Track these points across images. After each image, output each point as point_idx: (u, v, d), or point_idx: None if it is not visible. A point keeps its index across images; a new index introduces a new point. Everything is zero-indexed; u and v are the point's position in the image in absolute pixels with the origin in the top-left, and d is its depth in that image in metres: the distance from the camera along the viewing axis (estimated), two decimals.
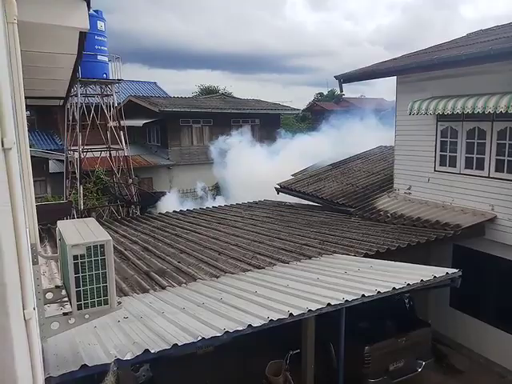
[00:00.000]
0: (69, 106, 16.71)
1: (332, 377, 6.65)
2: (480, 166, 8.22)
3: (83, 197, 16.81)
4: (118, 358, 3.41)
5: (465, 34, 10.86)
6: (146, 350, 3.55)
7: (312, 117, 39.10)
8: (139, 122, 22.29)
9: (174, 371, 6.77)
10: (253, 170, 17.00)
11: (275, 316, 4.27)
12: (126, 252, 7.75)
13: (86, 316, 3.03)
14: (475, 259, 8.21)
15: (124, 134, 18.02)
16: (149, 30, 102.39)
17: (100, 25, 16.03)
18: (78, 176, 16.66)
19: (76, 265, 2.88)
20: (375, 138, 15.38)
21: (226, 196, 18.04)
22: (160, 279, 6.16)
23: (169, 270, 6.61)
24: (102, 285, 2.98)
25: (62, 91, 7.88)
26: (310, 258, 7.00)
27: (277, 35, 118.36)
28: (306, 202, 12.28)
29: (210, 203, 15.70)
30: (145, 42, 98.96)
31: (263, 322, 4.15)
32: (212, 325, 4.11)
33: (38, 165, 17.97)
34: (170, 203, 17.26)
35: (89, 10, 3.78)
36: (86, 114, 17.17)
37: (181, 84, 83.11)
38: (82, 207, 16.42)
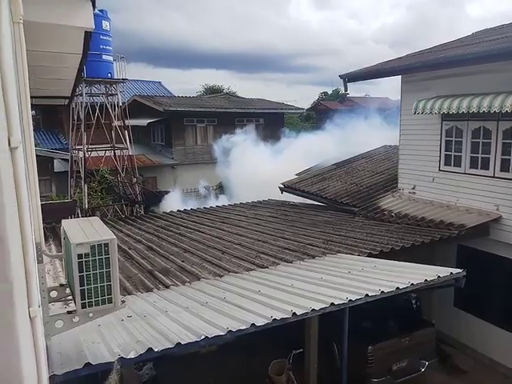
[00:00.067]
0: (74, 106, 16.78)
1: (335, 376, 6.65)
2: (485, 166, 8.18)
3: (88, 196, 16.87)
4: (122, 357, 3.42)
5: (470, 33, 10.81)
6: (150, 349, 3.57)
7: (316, 116, 39.02)
8: (144, 122, 22.34)
9: (177, 370, 6.79)
10: (257, 169, 17.00)
11: (279, 315, 4.27)
12: (130, 251, 7.78)
13: (90, 314, 3.04)
14: (480, 259, 8.18)
15: (128, 134, 18.07)
16: (154, 30, 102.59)
17: (105, 24, 16.08)
18: (82, 175, 16.72)
19: (80, 263, 2.89)
20: (380, 137, 15.32)
21: (230, 195, 18.04)
22: (164, 278, 6.18)
23: (173, 269, 6.62)
24: (106, 283, 2.99)
25: (67, 91, 7.91)
26: (313, 257, 7.00)
27: (281, 34, 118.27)
28: (310, 202, 12.27)
29: (213, 202, 15.72)
30: (149, 42, 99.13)
31: (266, 322, 4.15)
32: (215, 324, 4.12)
33: (43, 164, 18.07)
34: (173, 202, 17.29)
35: (94, 10, 3.80)
36: (91, 114, 17.24)
37: (185, 83, 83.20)
38: (87, 206, 16.49)
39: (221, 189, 21.21)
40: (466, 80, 8.18)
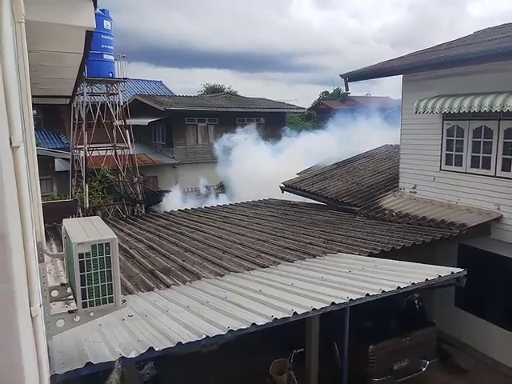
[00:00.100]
0: (75, 105, 16.79)
1: (336, 376, 6.65)
2: (486, 165, 8.17)
3: (89, 195, 16.89)
4: (123, 356, 3.43)
5: (472, 32, 10.79)
6: (151, 348, 3.57)
7: (317, 115, 39.01)
8: (145, 121, 22.35)
9: (178, 369, 6.80)
10: (258, 168, 17.01)
11: (279, 315, 4.27)
12: (130, 250, 7.78)
13: (91, 314, 3.04)
14: (481, 259, 8.17)
15: (129, 133, 18.08)
16: (155, 29, 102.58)
17: (106, 24, 16.09)
18: (83, 174, 16.75)
19: (81, 263, 2.90)
20: (381, 136, 15.32)
21: (231, 195, 18.05)
22: (165, 277, 6.18)
23: (173, 269, 6.63)
24: (107, 283, 2.99)
25: (68, 90, 7.92)
26: (314, 256, 7.00)
27: (282, 34, 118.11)
28: (310, 201, 12.27)
29: (214, 202, 15.73)
30: (150, 41, 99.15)
31: (267, 321, 4.15)
32: (216, 323, 4.12)
33: (44, 163, 18.08)
34: (174, 202, 17.30)
35: (95, 10, 3.81)
36: (92, 113, 17.26)
37: (186, 83, 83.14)
38: (88, 206, 16.51)
39: (222, 188, 21.22)
40: (468, 79, 8.17)
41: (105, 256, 2.96)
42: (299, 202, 12.69)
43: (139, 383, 6.29)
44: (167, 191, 19.59)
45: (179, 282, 5.98)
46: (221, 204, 13.37)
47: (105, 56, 16.34)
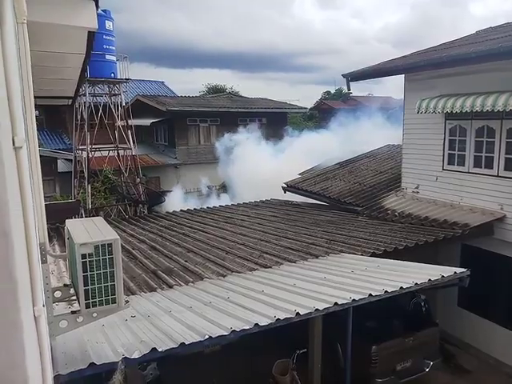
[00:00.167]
0: (77, 106, 16.81)
1: (339, 376, 6.64)
2: (489, 165, 8.15)
3: (91, 196, 16.90)
4: (126, 357, 3.43)
5: (474, 32, 10.76)
6: (154, 349, 3.57)
7: (319, 115, 38.99)
8: (147, 122, 22.37)
9: (181, 370, 6.80)
10: (260, 168, 17.00)
11: (282, 315, 4.26)
12: (133, 251, 7.79)
13: (94, 314, 3.05)
14: (484, 259, 8.15)
15: (132, 134, 18.09)
16: (156, 29, 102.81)
17: (108, 24, 16.10)
18: (86, 175, 16.76)
19: (84, 263, 2.90)
20: (383, 136, 15.31)
21: (234, 195, 18.05)
22: (167, 278, 6.18)
23: (176, 269, 6.63)
24: (109, 283, 2.99)
25: (70, 91, 7.93)
26: (316, 257, 6.99)
27: (284, 34, 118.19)
28: (312, 201, 12.26)
29: (216, 202, 15.73)
30: (152, 42, 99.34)
31: (270, 321, 4.15)
32: (219, 324, 4.12)
33: (47, 164, 18.12)
34: (176, 202, 17.31)
35: (97, 10, 3.81)
36: (94, 114, 17.27)
37: (188, 83, 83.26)
38: (90, 206, 16.52)
39: (224, 188, 21.22)
40: (470, 79, 8.15)
41: (107, 257, 2.96)
42: (301, 202, 12.68)
43: None
44: (168, 191, 19.60)
45: (182, 283, 5.98)
46: (223, 204, 13.37)
47: (107, 56, 16.34)
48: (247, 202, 13.10)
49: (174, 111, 21.74)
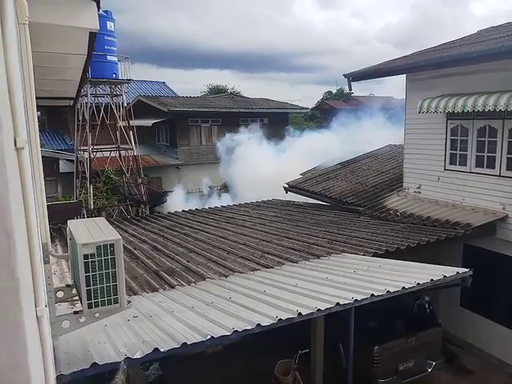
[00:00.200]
0: (79, 106, 16.84)
1: (341, 376, 6.63)
2: (491, 165, 8.13)
3: (93, 196, 16.93)
4: (128, 357, 3.43)
5: (475, 31, 10.74)
6: (156, 349, 3.57)
7: (321, 115, 38.98)
8: (148, 122, 22.40)
9: (183, 370, 6.80)
10: (261, 169, 17.01)
11: (284, 315, 4.26)
12: (135, 251, 7.80)
13: (97, 315, 3.05)
14: (486, 259, 8.13)
15: (133, 134, 18.11)
16: (157, 30, 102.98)
17: (109, 25, 16.13)
18: (87, 176, 16.79)
19: (86, 264, 2.90)
20: (384, 136, 15.29)
21: (235, 195, 18.05)
22: (169, 278, 6.19)
23: (178, 269, 6.63)
24: (111, 284, 2.99)
25: (72, 91, 7.94)
26: (318, 257, 6.99)
27: (285, 34, 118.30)
28: (314, 201, 12.25)
29: (218, 202, 15.73)
30: (153, 42, 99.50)
31: (272, 322, 4.15)
32: (221, 324, 4.12)
33: (49, 165, 18.16)
34: (178, 202, 17.32)
35: (98, 11, 3.81)
36: (96, 114, 17.30)
37: (189, 83, 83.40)
38: (92, 207, 16.55)
39: (225, 189, 21.22)
40: (471, 78, 8.13)
41: (109, 257, 2.97)
42: (303, 203, 12.67)
43: None
44: (169, 192, 19.61)
45: (184, 283, 5.99)
46: (224, 205, 13.37)
47: (108, 57, 16.37)
48: (249, 202, 13.10)
49: (175, 111, 21.76)
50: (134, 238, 8.98)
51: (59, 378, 3.14)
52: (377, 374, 6.68)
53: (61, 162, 20.13)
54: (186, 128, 23.18)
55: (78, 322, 3.07)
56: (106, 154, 18.35)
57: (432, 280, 5.32)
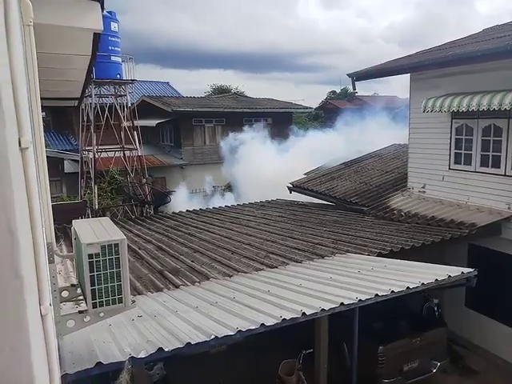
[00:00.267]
0: (83, 107, 16.90)
1: (345, 377, 6.61)
2: (496, 164, 8.08)
3: (98, 196, 16.98)
4: (133, 356, 3.44)
5: (480, 30, 10.69)
6: (160, 349, 3.58)
7: (325, 115, 38.93)
8: (152, 122, 22.45)
9: (187, 370, 6.81)
10: (265, 169, 17.00)
11: (288, 315, 4.26)
12: (140, 251, 7.82)
13: (101, 314, 3.06)
14: (491, 259, 8.08)
15: (138, 134, 18.16)
16: (161, 31, 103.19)
17: (113, 26, 16.17)
18: (92, 176, 16.84)
19: (91, 263, 2.91)
20: (389, 136, 15.25)
21: (239, 195, 18.06)
22: (174, 278, 6.20)
23: (182, 269, 6.64)
24: (116, 283, 3.00)
25: (76, 92, 7.98)
26: (322, 257, 6.98)
27: (289, 34, 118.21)
28: (318, 201, 12.23)
29: (222, 202, 15.74)
30: (157, 43, 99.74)
31: (276, 321, 4.15)
32: (225, 324, 4.12)
33: (54, 165, 18.23)
34: (182, 202, 17.35)
35: (102, 12, 3.83)
36: (100, 115, 17.35)
37: (193, 84, 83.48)
38: (97, 207, 16.60)
39: (229, 189, 21.23)
40: (476, 77, 8.09)
41: (114, 257, 2.97)
42: (307, 202, 12.65)
43: (149, 383, 6.31)
44: (172, 191, 19.65)
45: (188, 283, 6.00)
46: (229, 205, 13.38)
47: (112, 58, 16.41)
48: (253, 202, 13.10)
49: (179, 112, 21.80)
50: (139, 237, 9.01)
51: (64, 377, 3.15)
52: (381, 374, 6.66)
53: (66, 162, 20.22)
54: (189, 128, 23.21)
55: (82, 321, 3.08)
56: (111, 154, 18.41)
57: (437, 280, 5.30)
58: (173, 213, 12.50)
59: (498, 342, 8.35)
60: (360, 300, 4.69)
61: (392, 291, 4.92)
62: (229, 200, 17.32)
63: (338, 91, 47.86)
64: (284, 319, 4.17)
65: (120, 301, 3.03)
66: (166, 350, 3.60)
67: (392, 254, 6.88)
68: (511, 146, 7.80)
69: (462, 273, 5.63)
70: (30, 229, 1.70)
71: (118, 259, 2.99)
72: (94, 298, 2.96)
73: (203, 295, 5.31)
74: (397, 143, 14.19)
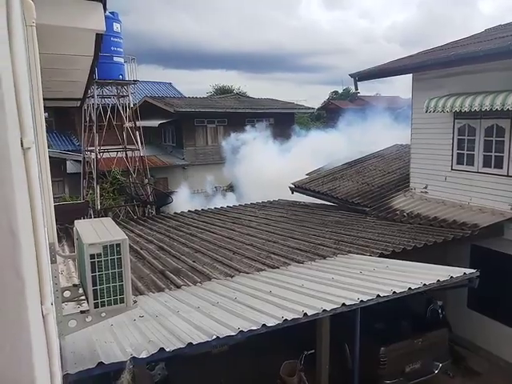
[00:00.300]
0: (86, 107, 16.94)
1: (347, 378, 6.61)
2: (499, 165, 8.06)
3: (100, 197, 17.02)
4: (134, 356, 3.45)
5: (483, 30, 10.66)
6: (162, 349, 3.59)
7: (327, 115, 38.88)
8: (155, 123, 22.48)
9: (188, 370, 6.82)
10: (267, 169, 17.00)
11: (290, 316, 4.26)
12: (141, 251, 7.83)
13: (103, 314, 3.06)
14: (494, 259, 8.05)
15: (140, 135, 18.18)
16: (163, 31, 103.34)
17: (116, 26, 16.21)
18: (94, 176, 16.88)
19: (93, 263, 2.92)
20: (391, 136, 15.22)
21: (241, 195, 18.06)
22: (175, 278, 6.21)
23: (184, 270, 6.65)
24: (118, 283, 3.01)
25: (79, 92, 8.00)
26: (324, 257, 6.97)
27: (291, 34, 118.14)
28: (320, 202, 12.22)
29: (224, 203, 15.74)
30: (159, 43, 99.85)
31: (278, 322, 4.14)
32: (226, 324, 4.12)
33: (56, 165, 18.28)
34: (184, 203, 17.36)
35: (105, 12, 3.84)
36: (103, 115, 17.39)
37: (195, 84, 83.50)
38: (99, 207, 16.63)
39: (231, 189, 21.24)
40: (478, 77, 8.07)
41: (116, 257, 2.98)
42: (309, 203, 12.64)
43: (150, 383, 6.32)
44: (173, 192, 19.66)
45: (190, 283, 6.00)
46: (230, 205, 13.39)
47: (115, 58, 16.44)
48: (255, 202, 13.10)
49: (181, 112, 21.82)
50: (141, 238, 9.02)
51: (65, 377, 3.16)
52: (383, 375, 6.65)
53: (68, 162, 20.27)
54: (192, 128, 23.23)
55: (84, 321, 3.09)
56: (113, 154, 18.44)
57: (439, 281, 5.29)
58: (174, 213, 12.52)
59: (500, 343, 8.32)
60: (362, 301, 4.69)
61: (394, 292, 4.91)
62: (230, 200, 17.31)
63: (340, 91, 47.83)
64: (285, 320, 4.17)
65: (122, 301, 3.04)
66: (168, 350, 3.60)
67: (394, 255, 6.87)
68: None
69: (464, 274, 5.61)
70: (32, 229, 1.70)
71: (120, 259, 2.99)
72: (95, 298, 2.96)
73: (205, 295, 5.31)
74: (399, 143, 14.17)
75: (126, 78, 17.54)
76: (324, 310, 4.43)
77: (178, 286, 5.88)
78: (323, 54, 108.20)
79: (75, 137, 23.62)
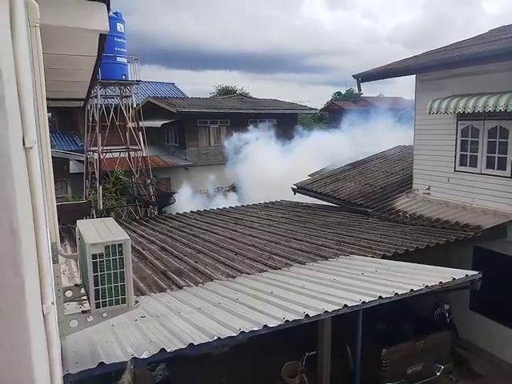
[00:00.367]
0: (89, 108, 16.97)
1: (348, 379, 6.59)
2: (502, 166, 8.03)
3: (102, 197, 17.04)
4: (135, 357, 3.44)
5: (487, 31, 10.63)
6: (163, 349, 3.58)
7: (330, 116, 38.85)
8: (157, 123, 22.50)
9: (190, 371, 6.82)
10: (270, 170, 17.00)
11: (291, 317, 4.25)
12: (143, 251, 7.83)
13: (104, 314, 3.06)
14: (497, 261, 8.02)
15: (142, 135, 18.21)
16: (166, 31, 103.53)
17: (119, 27, 16.23)
18: (97, 176, 16.90)
19: (95, 264, 2.92)
20: (394, 137, 15.20)
21: (244, 196, 18.05)
22: (177, 279, 6.21)
23: (186, 270, 6.65)
24: (119, 284, 3.01)
25: (82, 93, 8.02)
26: (326, 258, 6.96)
27: (294, 35, 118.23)
28: (323, 203, 12.21)
29: (226, 203, 15.74)
30: (162, 43, 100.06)
31: (279, 323, 4.14)
32: (228, 325, 4.12)
33: (59, 165, 18.31)
34: (186, 203, 17.37)
35: (108, 13, 3.85)
36: (106, 115, 17.41)
37: (198, 84, 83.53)
38: (101, 207, 16.66)
39: (234, 189, 21.24)
40: (482, 78, 8.05)
41: (118, 257, 2.98)
42: (311, 204, 12.63)
43: None
44: (176, 192, 19.68)
45: (191, 284, 6.00)
46: (233, 206, 13.39)
47: (118, 59, 16.46)
48: (257, 203, 13.10)
49: (184, 113, 21.84)
50: (143, 238, 9.03)
51: (66, 376, 3.16)
52: (385, 377, 6.64)
53: (71, 162, 20.31)
54: (194, 129, 23.25)
55: (85, 321, 3.09)
56: (116, 154, 18.46)
57: (441, 282, 5.27)
58: (177, 213, 12.53)
59: (503, 345, 8.28)
60: (363, 302, 4.68)
61: (396, 293, 4.89)
62: (233, 201, 17.31)
63: (344, 92, 47.80)
64: (287, 321, 4.16)
65: (123, 301, 3.04)
66: (169, 350, 3.60)
67: (396, 256, 6.85)
68: None
69: (467, 275, 5.59)
70: (34, 228, 1.70)
71: (122, 259, 2.99)
72: (97, 298, 2.96)
73: (206, 296, 5.31)
74: (402, 145, 14.15)
75: (129, 79, 17.57)
76: (326, 312, 4.42)
77: (180, 287, 5.88)
78: (326, 55, 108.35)
79: (78, 137, 23.68)
